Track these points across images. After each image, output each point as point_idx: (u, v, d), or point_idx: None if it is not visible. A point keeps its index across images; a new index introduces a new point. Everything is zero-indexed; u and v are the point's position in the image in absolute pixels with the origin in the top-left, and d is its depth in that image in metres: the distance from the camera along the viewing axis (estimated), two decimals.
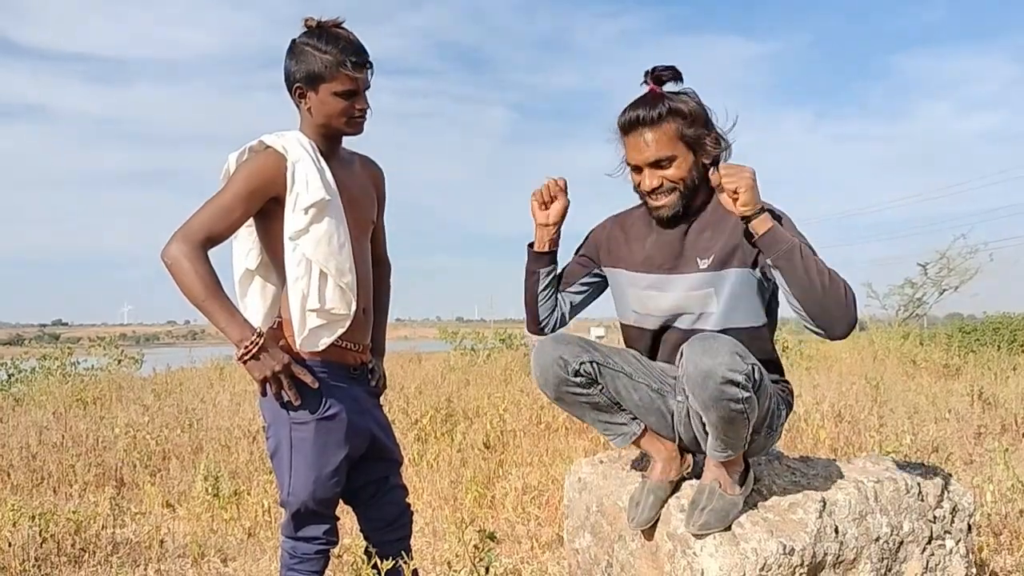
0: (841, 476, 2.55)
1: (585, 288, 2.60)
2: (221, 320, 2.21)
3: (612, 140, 2.35)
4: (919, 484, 2.54)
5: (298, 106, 2.38)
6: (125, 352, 15.89)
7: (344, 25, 2.33)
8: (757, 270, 2.26)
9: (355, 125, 2.37)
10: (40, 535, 3.77)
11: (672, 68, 2.22)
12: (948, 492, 2.59)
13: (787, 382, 2.47)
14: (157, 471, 5.91)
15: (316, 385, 2.29)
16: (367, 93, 2.37)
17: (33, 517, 3.75)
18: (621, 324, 2.49)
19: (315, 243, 2.27)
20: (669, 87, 2.24)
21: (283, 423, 2.33)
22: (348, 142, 2.52)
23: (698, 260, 2.25)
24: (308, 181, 2.27)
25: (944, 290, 25.30)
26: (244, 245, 2.43)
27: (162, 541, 4.20)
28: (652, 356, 2.44)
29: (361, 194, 2.49)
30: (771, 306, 2.40)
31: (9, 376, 12.73)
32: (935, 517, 2.53)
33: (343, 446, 2.37)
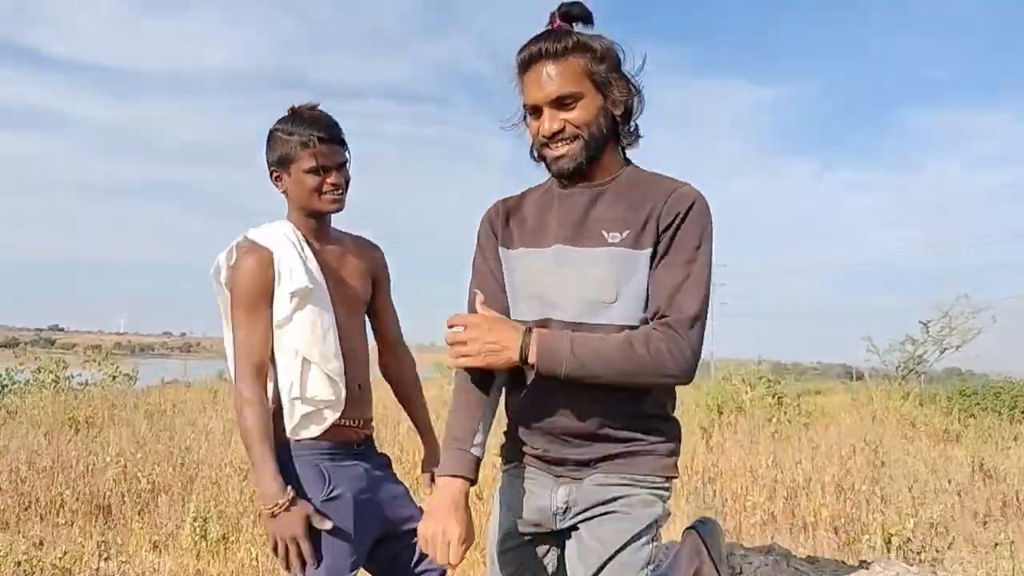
0: None
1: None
2: (261, 468, 2.20)
3: (510, 84, 1.92)
4: None
5: (282, 192, 2.41)
6: (120, 368, 15.74)
7: (320, 108, 2.38)
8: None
9: (330, 201, 2.35)
10: None
11: (581, 4, 1.85)
12: None
13: (676, 434, 1.90)
14: (145, 507, 5.83)
15: (328, 526, 2.23)
16: (346, 168, 2.39)
17: (19, 563, 3.66)
18: None
19: (299, 331, 2.28)
20: (579, 28, 1.86)
21: None
22: (344, 224, 2.56)
23: (604, 233, 1.81)
24: (292, 271, 2.29)
25: (945, 349, 25.24)
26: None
27: None
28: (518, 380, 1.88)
29: (350, 274, 2.47)
30: None
31: (2, 387, 12.64)
32: None
33: (352, 528, 2.30)
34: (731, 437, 10.61)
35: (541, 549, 1.91)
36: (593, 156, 1.84)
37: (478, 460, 1.81)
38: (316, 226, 2.41)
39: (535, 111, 1.85)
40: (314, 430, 2.29)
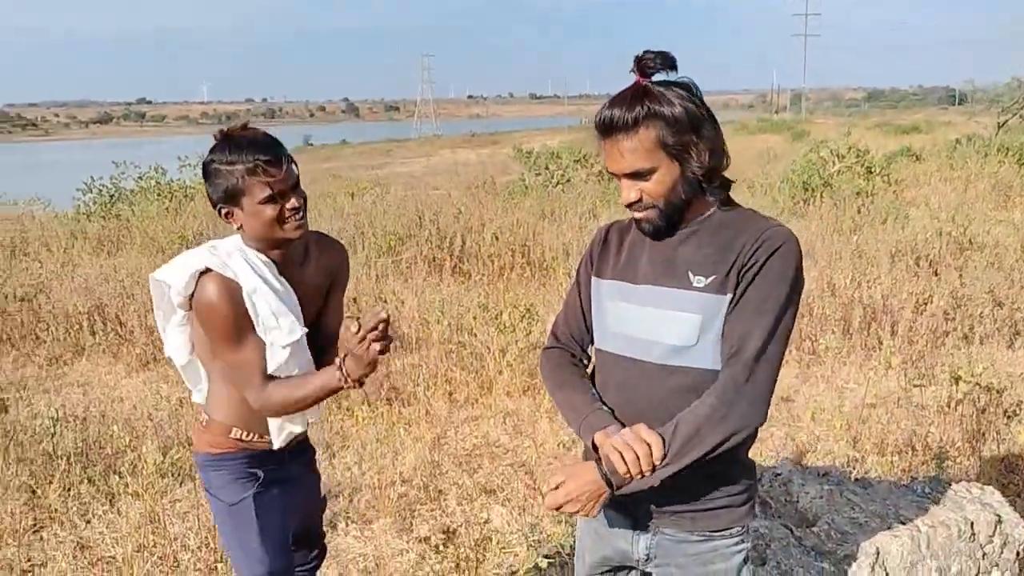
0: (898, 517, 2.73)
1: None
2: (312, 394, 2.15)
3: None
4: (972, 525, 2.71)
5: (236, 229, 2.20)
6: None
7: (251, 126, 2.17)
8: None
9: (294, 228, 2.15)
10: None
11: (664, 54, 1.79)
12: (1000, 526, 2.77)
13: (751, 475, 1.98)
14: None
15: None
16: (299, 186, 2.17)
17: None
18: (596, 352, 2.06)
19: (285, 369, 2.21)
20: (660, 78, 1.81)
21: (224, 513, 2.34)
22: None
23: (691, 275, 1.82)
24: (276, 316, 2.16)
25: None
26: (176, 339, 2.32)
27: None
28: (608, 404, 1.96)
29: (313, 287, 2.36)
30: None
31: (111, 197, 13.32)
32: (984, 553, 2.72)
33: (285, 516, 2.40)
34: (815, 225, 10.63)
35: (622, 573, 2.10)
36: (673, 218, 1.84)
37: (610, 411, 1.89)
38: (279, 253, 2.22)
39: (615, 176, 1.85)
40: (291, 434, 2.33)
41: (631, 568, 2.08)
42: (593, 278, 2.02)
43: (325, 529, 2.76)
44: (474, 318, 6.57)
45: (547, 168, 16.57)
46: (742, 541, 1.94)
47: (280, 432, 2.30)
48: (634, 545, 1.99)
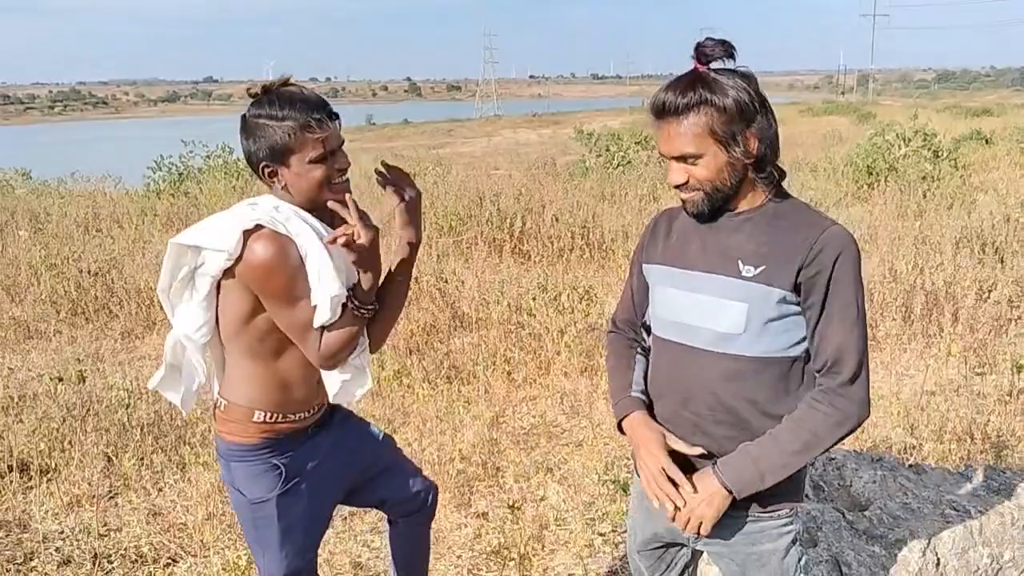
0: (951, 504, 2.76)
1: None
2: (351, 319, 2.12)
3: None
4: None
5: (271, 187, 2.12)
6: None
7: (293, 81, 2.09)
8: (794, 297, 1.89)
9: (341, 190, 2.09)
10: None
11: (724, 42, 1.84)
12: None
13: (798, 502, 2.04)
14: None
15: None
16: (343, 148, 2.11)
17: None
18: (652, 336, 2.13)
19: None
20: (717, 65, 1.85)
21: (244, 507, 2.26)
22: None
23: (740, 264, 1.87)
24: (333, 271, 2.07)
25: None
26: (198, 317, 2.16)
27: None
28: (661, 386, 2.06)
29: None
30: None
31: (180, 175, 13.66)
32: None
33: (309, 516, 2.32)
34: (879, 209, 10.49)
35: (673, 549, 2.19)
36: (719, 205, 1.89)
37: (640, 399, 2.04)
38: (317, 214, 2.14)
39: (667, 158, 1.90)
40: (358, 394, 2.28)
41: (682, 545, 2.15)
42: (644, 264, 2.09)
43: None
44: (533, 299, 6.65)
45: (608, 149, 16.56)
46: (791, 523, 1.99)
47: (337, 387, 2.23)
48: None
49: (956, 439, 4.43)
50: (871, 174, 12.99)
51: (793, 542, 2.01)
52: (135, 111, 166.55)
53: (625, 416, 2.02)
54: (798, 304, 1.85)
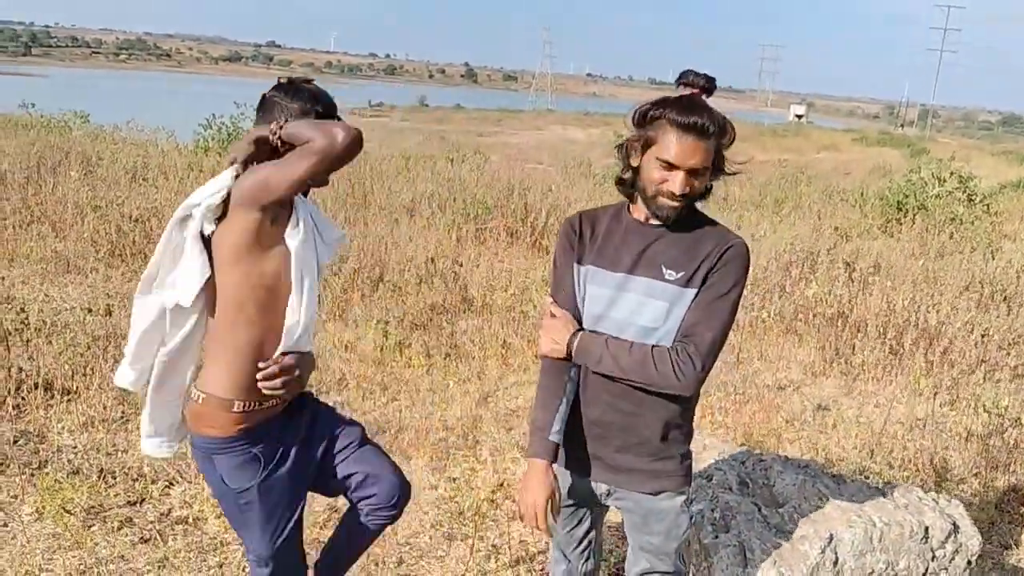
0: (859, 512, 3.04)
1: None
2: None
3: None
4: (926, 529, 3.01)
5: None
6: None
7: (315, 82, 2.39)
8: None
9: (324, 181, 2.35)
10: None
11: (714, 80, 2.21)
12: (956, 535, 3.06)
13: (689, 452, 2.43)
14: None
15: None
16: None
17: None
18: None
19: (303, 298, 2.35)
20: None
21: (228, 496, 2.39)
22: None
23: (664, 269, 2.21)
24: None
25: None
26: (193, 284, 2.28)
27: None
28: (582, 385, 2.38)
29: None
30: None
31: (229, 135, 14.04)
32: (935, 556, 3.03)
33: (289, 496, 2.45)
34: (904, 244, 10.66)
35: (583, 509, 2.55)
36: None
37: (556, 445, 2.34)
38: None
39: (669, 167, 2.14)
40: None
41: (598, 504, 2.53)
42: (577, 265, 2.35)
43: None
44: (537, 290, 6.98)
45: None
46: (683, 493, 2.38)
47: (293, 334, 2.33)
48: (596, 487, 2.43)
49: (907, 467, 4.70)
50: (900, 210, 13.12)
51: (689, 502, 2.39)
52: (196, 67, 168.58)
53: (534, 457, 2.32)
54: None
